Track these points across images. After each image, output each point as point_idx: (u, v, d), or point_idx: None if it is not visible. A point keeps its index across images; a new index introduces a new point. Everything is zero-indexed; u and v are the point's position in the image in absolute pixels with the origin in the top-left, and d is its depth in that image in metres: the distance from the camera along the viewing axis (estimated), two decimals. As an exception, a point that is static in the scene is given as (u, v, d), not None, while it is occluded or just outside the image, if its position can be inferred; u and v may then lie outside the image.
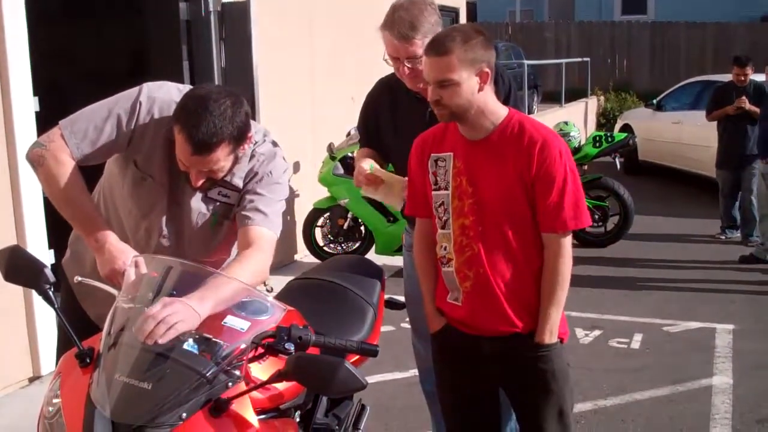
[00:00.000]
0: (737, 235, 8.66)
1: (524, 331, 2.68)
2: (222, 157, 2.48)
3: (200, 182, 2.55)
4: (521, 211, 2.63)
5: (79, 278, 2.45)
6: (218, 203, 2.70)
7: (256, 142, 2.69)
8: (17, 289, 4.67)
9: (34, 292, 4.69)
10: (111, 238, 2.49)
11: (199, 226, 2.71)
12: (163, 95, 2.63)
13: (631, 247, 8.39)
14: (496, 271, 2.65)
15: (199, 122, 2.39)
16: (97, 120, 2.58)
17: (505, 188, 2.62)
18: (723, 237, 8.74)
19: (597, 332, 5.88)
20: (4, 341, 4.71)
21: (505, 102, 3.10)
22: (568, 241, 2.65)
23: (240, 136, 2.50)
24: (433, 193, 2.75)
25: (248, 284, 2.34)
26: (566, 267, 2.65)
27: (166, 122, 2.54)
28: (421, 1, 3.10)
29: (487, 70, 2.59)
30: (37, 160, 2.56)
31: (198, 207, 2.68)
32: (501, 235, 2.64)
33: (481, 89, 2.59)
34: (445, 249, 2.74)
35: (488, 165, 2.65)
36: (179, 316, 2.11)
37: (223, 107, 2.42)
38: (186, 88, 2.64)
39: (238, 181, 2.67)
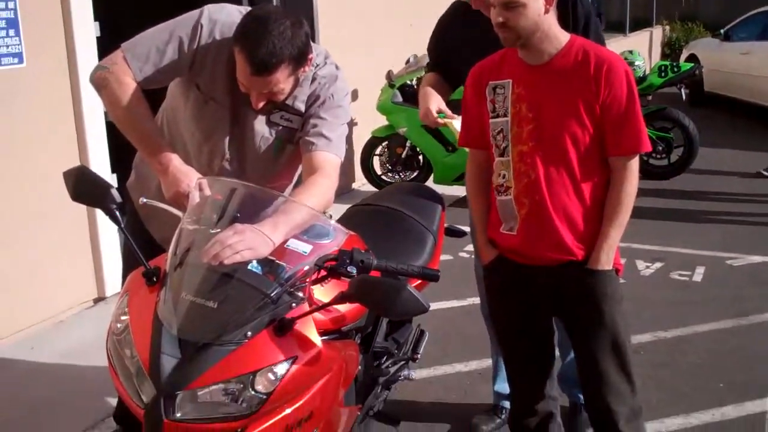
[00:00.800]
0: None
1: (579, 260, 2.66)
2: (282, 79, 2.45)
3: (261, 104, 2.53)
4: (584, 137, 2.58)
5: (144, 200, 2.47)
6: (281, 127, 2.68)
7: (317, 65, 2.66)
8: (82, 213, 4.77)
9: (98, 215, 4.81)
10: (175, 161, 2.50)
11: (262, 150, 2.70)
12: (224, 17, 2.60)
13: (695, 179, 8.22)
14: (554, 198, 2.61)
15: (259, 43, 2.36)
16: (158, 43, 2.57)
17: (568, 113, 2.57)
18: None
19: (659, 264, 5.80)
20: (70, 263, 4.83)
21: (585, 29, 3.02)
22: (635, 163, 2.62)
23: (300, 58, 2.47)
24: (491, 120, 2.70)
25: (317, 210, 2.34)
26: (632, 189, 2.62)
27: (228, 44, 2.52)
28: None
29: None
30: (100, 82, 2.56)
31: (261, 130, 2.67)
32: (562, 161, 2.60)
33: (546, 11, 2.54)
34: (503, 177, 2.69)
35: (550, 90, 2.60)
36: (247, 244, 2.11)
37: (282, 28, 2.39)
38: (247, 10, 2.61)
39: (300, 105, 2.65)
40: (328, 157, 2.60)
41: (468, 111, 2.82)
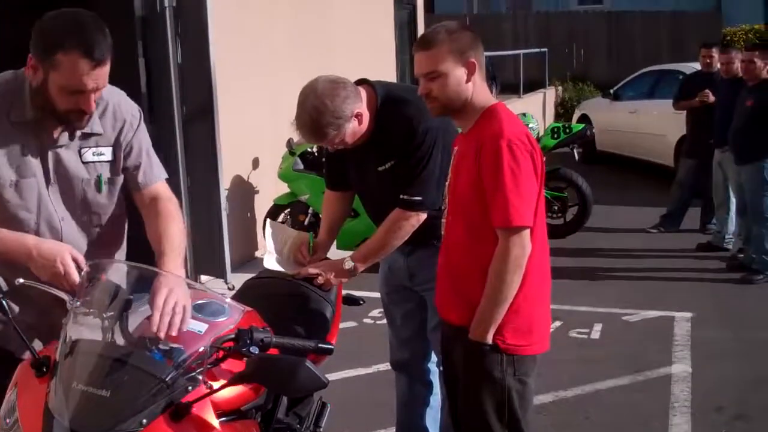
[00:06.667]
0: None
1: (466, 325, 2.69)
2: (107, 72, 2.33)
3: (93, 105, 2.38)
4: (471, 206, 2.65)
5: (21, 280, 2.28)
6: (97, 164, 2.56)
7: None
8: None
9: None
10: (31, 242, 2.37)
11: (87, 194, 2.57)
12: None
13: (590, 237, 8.45)
14: (451, 263, 2.78)
15: (86, 31, 2.25)
16: None
17: (464, 182, 2.67)
18: (656, 231, 8.64)
19: (557, 323, 5.89)
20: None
21: None
22: (513, 240, 2.55)
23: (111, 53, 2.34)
24: (446, 184, 2.88)
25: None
26: (503, 265, 2.56)
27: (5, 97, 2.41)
28: (314, 105, 2.96)
29: (473, 60, 2.62)
30: None
31: (80, 174, 2.54)
32: (462, 229, 2.71)
33: (468, 80, 2.63)
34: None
35: (463, 159, 2.70)
36: (183, 298, 2.15)
37: (95, 20, 2.31)
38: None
39: (99, 129, 2.53)
40: (159, 182, 2.69)
41: None
